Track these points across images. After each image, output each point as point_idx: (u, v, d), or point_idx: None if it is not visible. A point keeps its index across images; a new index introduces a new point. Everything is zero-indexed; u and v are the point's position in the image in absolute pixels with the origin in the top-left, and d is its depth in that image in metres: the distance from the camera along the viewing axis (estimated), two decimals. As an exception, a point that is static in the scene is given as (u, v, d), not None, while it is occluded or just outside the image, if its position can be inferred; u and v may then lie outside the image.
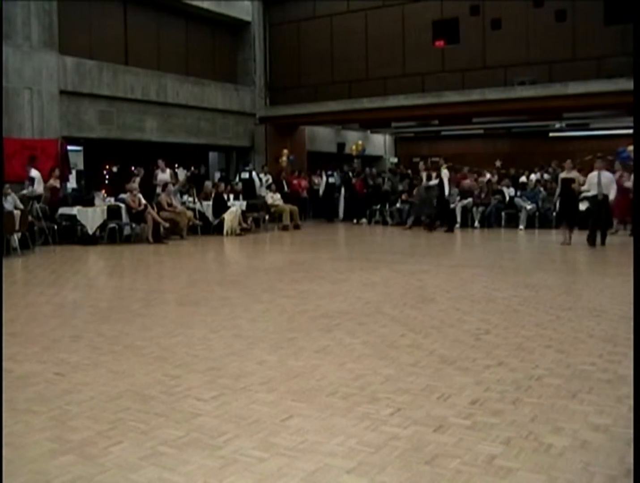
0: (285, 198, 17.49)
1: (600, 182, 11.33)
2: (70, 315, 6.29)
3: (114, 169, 19.33)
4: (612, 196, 11.51)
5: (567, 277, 8.69)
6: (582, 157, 17.92)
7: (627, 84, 13.38)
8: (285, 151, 20.34)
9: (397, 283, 7.76)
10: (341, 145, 23.78)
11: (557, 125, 23.43)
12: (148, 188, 14.47)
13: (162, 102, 17.37)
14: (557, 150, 22.34)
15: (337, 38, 19.56)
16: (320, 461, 2.85)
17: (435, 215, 15.51)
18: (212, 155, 21.46)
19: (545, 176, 17.22)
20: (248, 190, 17.07)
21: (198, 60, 19.05)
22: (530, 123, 23.14)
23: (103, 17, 16.33)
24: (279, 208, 16.64)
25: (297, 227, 16.51)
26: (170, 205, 13.91)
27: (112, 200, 13.55)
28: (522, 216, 15.50)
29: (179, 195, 15.15)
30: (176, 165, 18.57)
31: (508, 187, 16.57)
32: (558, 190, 12.09)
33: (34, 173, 12.60)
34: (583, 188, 11.57)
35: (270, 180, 18.31)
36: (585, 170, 12.62)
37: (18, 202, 11.25)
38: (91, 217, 12.62)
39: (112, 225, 12.84)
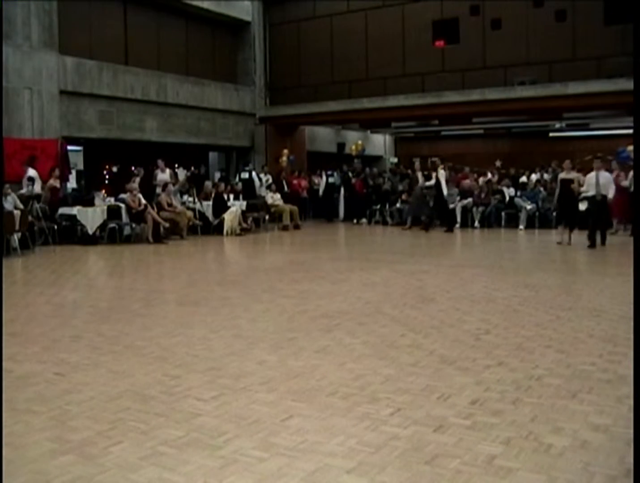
0: (285, 198, 17.49)
1: (598, 182, 11.34)
2: (70, 315, 6.29)
3: (114, 169, 19.31)
4: (610, 196, 11.53)
5: (567, 277, 8.69)
6: (582, 157, 17.90)
7: (627, 84, 13.38)
8: (286, 151, 20.34)
9: (397, 283, 7.76)
10: (341, 145, 23.78)
11: (557, 125, 23.43)
12: (148, 188, 14.47)
13: (162, 102, 17.37)
14: (557, 150, 22.33)
15: (337, 38, 19.56)
16: (320, 461, 2.85)
17: (432, 216, 15.51)
18: (212, 155, 21.46)
19: (545, 176, 17.21)
20: (248, 190, 17.07)
21: (198, 60, 19.05)
22: (530, 123, 23.14)
23: (103, 17, 16.33)
24: (279, 208, 16.64)
25: (297, 227, 16.51)
26: (170, 205, 13.91)
27: (112, 200, 13.55)
28: (522, 216, 15.50)
29: (179, 195, 15.15)
30: (176, 165, 18.56)
31: (508, 187, 16.56)
32: (557, 191, 12.11)
33: (32, 172, 12.60)
34: (582, 188, 11.57)
35: (270, 180, 18.31)
36: (586, 170, 12.62)
37: (18, 202, 11.25)
38: (91, 217, 12.62)
39: (112, 225, 12.84)
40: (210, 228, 14.70)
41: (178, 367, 4.31)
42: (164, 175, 15.11)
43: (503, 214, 15.88)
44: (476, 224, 15.96)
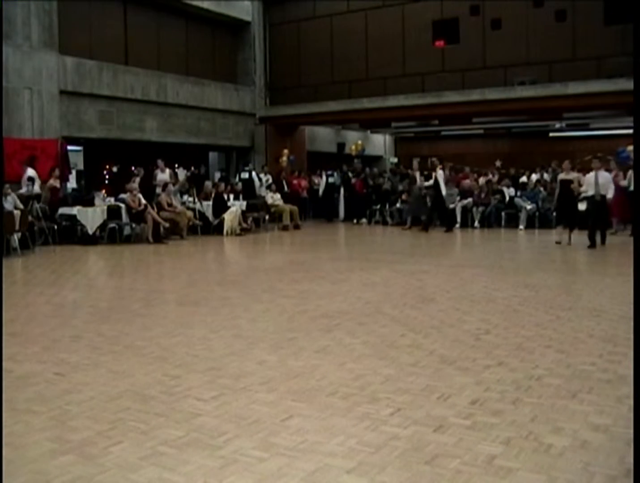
0: (285, 198, 17.49)
1: (597, 182, 11.35)
2: (70, 315, 6.29)
3: (114, 169, 19.31)
4: (610, 196, 11.54)
5: (567, 277, 8.69)
6: (582, 157, 17.92)
7: (627, 84, 13.39)
8: (286, 151, 20.34)
9: (397, 283, 7.76)
10: (341, 145, 23.78)
11: (557, 125, 23.43)
12: (148, 188, 14.48)
13: (162, 102, 17.37)
14: (557, 150, 22.34)
15: (337, 38, 19.57)
16: (320, 461, 2.85)
17: (431, 216, 15.51)
18: (212, 155, 21.46)
19: (545, 176, 17.22)
20: (248, 190, 17.07)
21: (198, 60, 19.05)
22: (530, 123, 23.14)
23: (103, 17, 16.33)
24: (279, 208, 16.64)
25: (297, 227, 16.51)
26: (170, 205, 13.91)
27: (112, 200, 13.55)
28: (522, 216, 15.50)
29: (179, 195, 15.15)
30: (176, 165, 18.56)
31: (508, 187, 16.56)
32: (557, 191, 12.12)
33: (32, 172, 12.60)
34: (581, 189, 11.58)
35: (270, 180, 18.31)
36: (586, 170, 12.63)
37: (18, 202, 11.26)
38: (91, 217, 12.62)
39: (112, 225, 12.84)
40: (210, 228, 14.70)
41: (178, 367, 4.31)
42: (163, 175, 15.11)
43: (503, 213, 15.88)
44: (476, 224, 15.96)
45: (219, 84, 19.24)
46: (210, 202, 14.90)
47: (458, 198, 16.32)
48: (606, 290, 7.17)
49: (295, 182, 19.30)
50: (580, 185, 11.61)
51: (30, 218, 11.35)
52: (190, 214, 14.31)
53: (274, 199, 16.97)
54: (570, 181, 11.58)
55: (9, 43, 13.44)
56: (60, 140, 14.43)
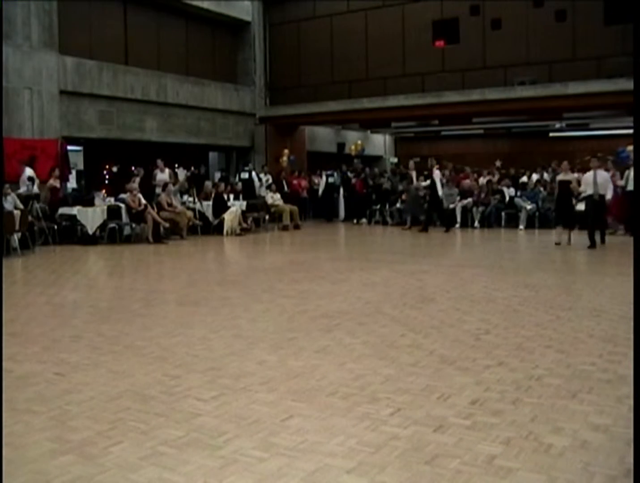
0: (285, 198, 17.49)
1: (596, 181, 11.34)
2: (70, 315, 6.29)
3: (114, 169, 19.31)
4: (609, 196, 11.54)
5: (567, 277, 8.69)
6: (582, 157, 17.93)
7: (627, 84, 13.39)
8: (286, 151, 20.35)
9: (397, 283, 7.76)
10: (341, 145, 23.78)
11: (557, 125, 23.43)
12: (148, 188, 14.48)
13: (162, 102, 17.37)
14: (557, 150, 22.34)
15: (337, 38, 19.56)
16: (320, 461, 2.85)
17: (430, 216, 15.50)
18: (212, 155, 21.46)
19: (545, 176, 17.22)
20: (248, 190, 17.07)
21: (198, 60, 19.05)
22: (530, 123, 23.14)
23: (103, 17, 16.33)
24: (279, 208, 16.65)
25: (297, 227, 16.51)
26: (170, 205, 13.91)
27: (112, 200, 13.54)
28: (522, 216, 15.50)
29: (179, 195, 15.15)
30: (176, 165, 18.57)
31: (508, 187, 16.56)
32: (556, 192, 12.12)
33: (31, 172, 12.59)
34: (580, 188, 11.58)
35: (270, 180, 18.32)
36: (586, 170, 12.63)
37: (18, 202, 11.26)
38: (91, 217, 12.62)
39: (112, 225, 12.85)
40: (210, 228, 14.70)
41: (178, 367, 4.31)
42: (163, 175, 15.11)
43: (503, 214, 15.88)
44: (476, 224, 15.96)
45: (219, 84, 19.24)
46: (210, 202, 14.90)
47: (458, 198, 16.33)
48: (606, 290, 7.17)
49: (295, 182, 19.30)
50: (579, 184, 11.61)
51: (30, 218, 11.35)
52: (190, 214, 14.31)
53: (274, 199, 16.97)
54: (569, 182, 11.58)
55: (9, 43, 13.44)
56: (60, 140, 14.43)
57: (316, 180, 20.08)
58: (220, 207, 14.73)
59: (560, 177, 12.01)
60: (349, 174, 19.52)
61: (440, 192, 15.28)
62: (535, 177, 17.16)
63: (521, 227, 15.38)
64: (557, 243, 11.66)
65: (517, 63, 17.01)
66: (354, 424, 3.27)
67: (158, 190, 14.45)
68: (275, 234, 15.55)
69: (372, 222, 17.78)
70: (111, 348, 4.82)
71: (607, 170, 12.71)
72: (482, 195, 16.29)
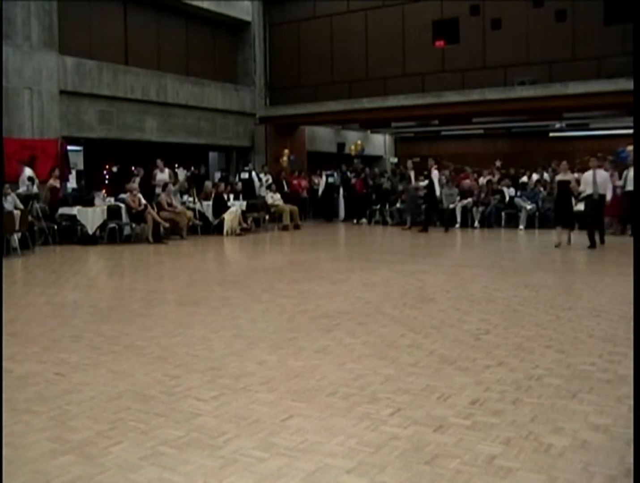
0: (285, 198, 17.49)
1: (595, 181, 11.33)
2: (70, 315, 6.29)
3: (114, 169, 19.31)
4: (609, 196, 11.53)
5: (567, 277, 8.69)
6: (582, 157, 17.91)
7: (627, 84, 13.39)
8: (286, 151, 20.35)
9: (397, 283, 7.76)
10: (341, 145, 23.78)
11: (557, 125, 23.43)
12: (148, 188, 14.48)
13: (162, 102, 17.37)
14: (557, 150, 22.34)
15: (337, 38, 19.56)
16: (320, 461, 2.85)
17: (428, 216, 15.50)
18: (212, 155, 21.46)
19: (545, 176, 17.22)
20: (248, 190, 17.07)
21: (198, 60, 19.05)
22: (530, 123, 23.14)
23: (103, 17, 16.33)
24: (279, 208, 16.65)
25: (297, 227, 16.51)
26: (170, 205, 13.91)
27: (112, 200, 13.55)
28: (522, 216, 15.50)
29: (179, 195, 15.15)
30: (176, 165, 18.57)
31: (508, 187, 16.56)
32: (555, 193, 12.11)
33: (29, 172, 12.59)
34: (580, 188, 11.57)
35: (270, 180, 18.32)
36: (586, 170, 12.63)
37: (18, 202, 11.26)
38: (91, 217, 12.62)
39: (112, 225, 12.85)
40: (210, 228, 14.70)
41: (178, 367, 4.31)
42: (163, 175, 15.11)
43: (503, 214, 15.88)
44: (476, 224, 15.96)
45: (219, 84, 19.24)
46: (210, 202, 14.90)
47: (458, 198, 16.33)
48: (606, 290, 7.17)
49: (295, 182, 19.30)
50: (578, 184, 11.60)
51: (30, 218, 11.35)
52: (190, 214, 14.31)
53: (274, 199, 16.97)
54: (568, 182, 11.56)
55: (9, 43, 13.44)
56: (60, 140, 14.43)
57: (316, 180, 20.07)
58: (220, 207, 14.73)
59: (559, 177, 11.99)
60: (349, 174, 19.52)
61: (437, 192, 15.28)
62: (535, 177, 17.16)
63: (521, 227, 15.38)
64: (557, 245, 11.53)
65: (517, 63, 17.01)
66: (354, 424, 3.27)
67: (158, 190, 14.45)
68: (275, 234, 15.56)
69: (372, 222, 17.78)
70: (111, 348, 4.82)
71: (605, 170, 12.70)
72: (482, 195, 16.28)
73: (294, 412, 3.45)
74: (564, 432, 3.14)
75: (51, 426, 3.29)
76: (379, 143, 27.06)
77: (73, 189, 15.25)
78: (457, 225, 15.92)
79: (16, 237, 10.79)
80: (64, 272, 9.15)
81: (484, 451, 2.94)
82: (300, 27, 20.23)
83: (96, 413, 3.47)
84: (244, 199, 16.35)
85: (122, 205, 13.07)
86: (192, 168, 19.77)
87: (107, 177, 19.16)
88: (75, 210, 12.61)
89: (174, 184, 15.08)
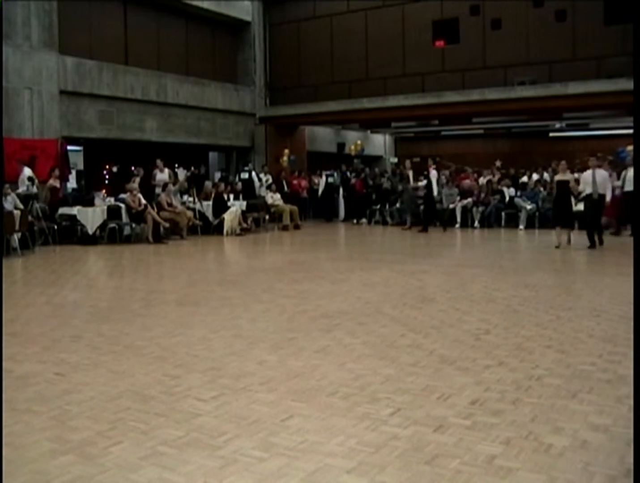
0: (285, 198, 17.50)
1: (595, 180, 11.32)
2: (70, 315, 6.29)
3: (114, 169, 19.31)
4: (609, 196, 11.52)
5: (567, 277, 8.69)
6: (582, 157, 17.92)
7: (627, 84, 13.38)
8: (287, 151, 20.35)
9: (397, 283, 7.76)
10: (341, 145, 23.78)
11: (557, 125, 23.43)
12: (148, 188, 14.48)
13: (162, 102, 17.37)
14: (557, 150, 22.34)
15: (337, 38, 19.56)
16: (320, 461, 2.85)
17: (428, 216, 15.50)
18: (212, 155, 21.46)
19: (545, 176, 17.22)
20: (248, 190, 17.07)
21: (198, 60, 19.05)
22: (530, 123, 23.14)
23: (103, 17, 16.33)
24: (279, 208, 16.65)
25: (297, 227, 16.52)
26: (170, 205, 13.91)
27: (112, 200, 13.55)
28: (522, 216, 15.50)
29: (178, 195, 15.15)
30: (176, 165, 18.56)
31: (508, 187, 16.56)
32: (554, 193, 12.10)
33: (29, 172, 12.59)
34: (580, 188, 11.57)
35: (270, 180, 18.32)
36: (585, 170, 12.64)
37: (18, 202, 11.26)
38: (91, 217, 12.62)
39: (112, 225, 12.85)
40: (210, 228, 14.70)
41: (178, 367, 4.31)
42: (162, 175, 15.10)
43: (503, 214, 15.88)
44: (476, 224, 15.96)
45: (219, 84, 19.24)
46: (210, 202, 14.90)
47: (458, 198, 16.33)
48: (606, 290, 7.17)
49: (295, 182, 19.30)
50: (577, 184, 11.60)
51: (30, 218, 11.35)
52: (190, 214, 14.31)
53: (274, 198, 16.98)
54: (567, 182, 11.55)
55: (9, 43, 13.44)
56: (60, 140, 14.43)
57: (316, 180, 20.07)
58: (220, 207, 14.73)
59: (558, 177, 11.97)
60: (349, 174, 19.52)
61: (435, 192, 15.30)
62: (535, 177, 17.17)
63: (521, 227, 15.38)
64: (557, 246, 11.47)
65: (517, 63, 17.01)
66: (354, 424, 3.27)
67: (158, 190, 14.45)
68: (275, 234, 15.56)
69: (372, 222, 17.78)
70: (111, 348, 4.82)
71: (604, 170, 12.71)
72: (482, 195, 16.28)
73: (294, 412, 3.45)
74: (564, 432, 3.14)
75: (51, 426, 3.29)
76: (379, 143, 27.06)
77: (73, 189, 15.25)
78: (457, 225, 15.92)
79: (16, 237, 10.79)
80: (64, 272, 9.15)
81: (484, 451, 2.94)
82: (300, 27, 20.23)
83: (96, 413, 3.47)
84: (244, 199, 16.35)
85: (122, 205, 13.07)
86: (192, 168, 19.75)
87: (107, 177, 19.15)
88: (75, 210, 12.61)
89: (174, 184, 15.07)
